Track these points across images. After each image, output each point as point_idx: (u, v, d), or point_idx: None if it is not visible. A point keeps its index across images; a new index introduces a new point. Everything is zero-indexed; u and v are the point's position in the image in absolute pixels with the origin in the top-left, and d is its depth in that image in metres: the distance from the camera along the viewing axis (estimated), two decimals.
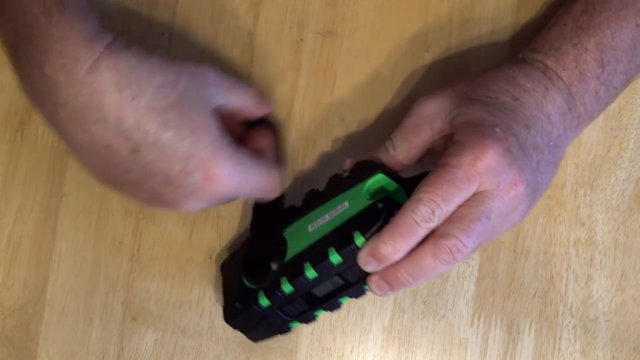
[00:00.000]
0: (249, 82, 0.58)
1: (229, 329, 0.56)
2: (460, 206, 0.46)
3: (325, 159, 0.57)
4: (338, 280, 0.49)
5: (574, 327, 0.57)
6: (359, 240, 0.46)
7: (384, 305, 0.57)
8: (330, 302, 0.50)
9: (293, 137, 0.58)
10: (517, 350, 0.57)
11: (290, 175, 0.57)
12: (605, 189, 0.57)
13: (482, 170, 0.45)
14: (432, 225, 0.45)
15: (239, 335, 0.57)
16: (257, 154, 0.52)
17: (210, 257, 0.57)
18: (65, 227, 0.57)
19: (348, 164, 0.52)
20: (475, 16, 0.58)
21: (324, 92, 0.58)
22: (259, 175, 0.50)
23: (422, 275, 0.47)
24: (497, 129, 0.46)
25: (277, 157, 0.55)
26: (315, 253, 0.48)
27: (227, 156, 0.48)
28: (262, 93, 0.54)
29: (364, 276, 0.48)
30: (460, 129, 0.48)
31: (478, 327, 0.57)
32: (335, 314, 0.57)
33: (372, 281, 0.48)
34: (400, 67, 0.58)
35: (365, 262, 0.47)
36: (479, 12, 0.58)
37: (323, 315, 0.57)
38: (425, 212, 0.45)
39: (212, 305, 0.57)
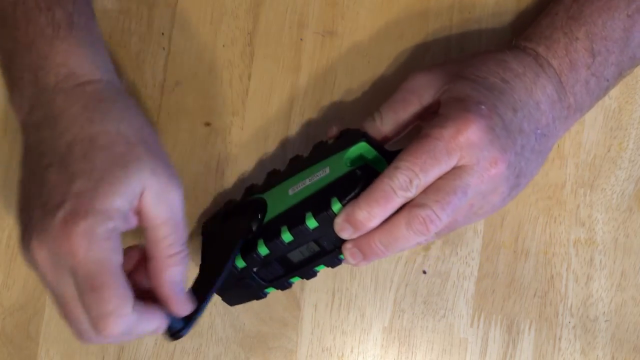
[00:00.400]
0: (248, 83, 0.58)
1: (229, 328, 0.56)
2: (439, 179, 0.46)
3: None
4: (314, 247, 0.49)
5: (574, 327, 0.57)
6: (336, 206, 0.47)
7: (384, 305, 0.57)
8: (306, 269, 0.50)
9: (293, 137, 0.58)
10: (517, 350, 0.57)
11: None
12: (605, 189, 0.57)
13: (463, 144, 0.45)
14: (409, 194, 0.45)
15: (239, 335, 0.57)
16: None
17: None
18: None
19: (334, 130, 0.52)
20: (475, 16, 0.58)
21: (324, 92, 0.58)
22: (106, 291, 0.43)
23: (396, 245, 0.47)
24: (483, 107, 0.46)
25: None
26: (293, 217, 0.48)
27: (101, 226, 0.43)
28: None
29: (339, 244, 0.48)
30: (446, 103, 0.48)
31: (478, 327, 0.57)
32: (336, 313, 0.57)
33: (347, 249, 0.48)
34: (400, 67, 0.58)
35: (341, 227, 0.46)
36: (479, 11, 0.58)
37: (323, 315, 0.57)
38: (402, 181, 0.45)
39: (212, 305, 0.57)
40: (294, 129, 0.58)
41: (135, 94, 0.58)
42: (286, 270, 0.50)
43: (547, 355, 0.57)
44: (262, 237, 0.49)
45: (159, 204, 0.45)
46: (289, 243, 0.48)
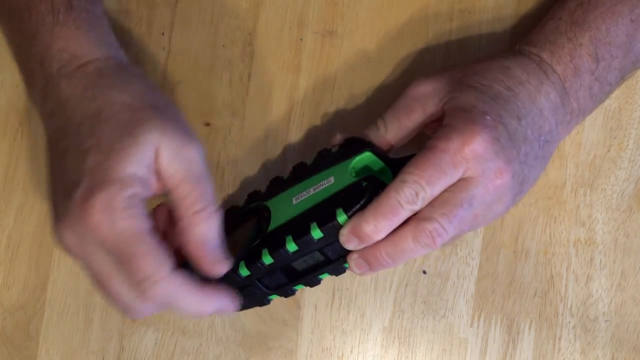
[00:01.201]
0: (248, 83, 0.58)
1: (229, 329, 0.56)
2: (445, 191, 0.46)
3: None
4: (318, 256, 0.49)
5: (573, 327, 0.57)
6: (341, 217, 0.46)
7: (384, 305, 0.57)
8: (310, 278, 0.50)
9: (293, 137, 0.58)
10: (517, 350, 0.57)
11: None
12: (605, 189, 0.57)
13: (469, 156, 0.45)
14: (415, 207, 0.45)
15: (239, 335, 0.57)
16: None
17: None
18: None
19: (338, 138, 0.52)
20: (475, 15, 0.58)
21: (324, 92, 0.58)
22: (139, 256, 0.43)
23: (402, 257, 0.47)
24: (488, 117, 0.46)
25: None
26: (297, 227, 0.48)
27: (119, 195, 0.43)
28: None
29: (344, 254, 0.48)
30: (451, 113, 0.48)
31: (478, 327, 0.57)
32: (335, 313, 0.57)
33: (352, 259, 0.48)
34: (400, 67, 0.58)
35: (347, 239, 0.46)
36: (479, 11, 0.58)
37: (323, 315, 0.57)
38: (409, 194, 0.45)
39: None
40: (294, 129, 0.58)
41: None
42: (290, 278, 0.50)
43: (547, 355, 0.57)
44: (266, 246, 0.49)
45: (174, 162, 0.44)
46: (294, 253, 0.48)
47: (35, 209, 0.57)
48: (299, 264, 0.49)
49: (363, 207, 0.46)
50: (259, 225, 0.51)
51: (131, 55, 0.58)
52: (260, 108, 0.58)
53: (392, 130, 0.51)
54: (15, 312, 0.57)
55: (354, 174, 0.48)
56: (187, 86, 0.58)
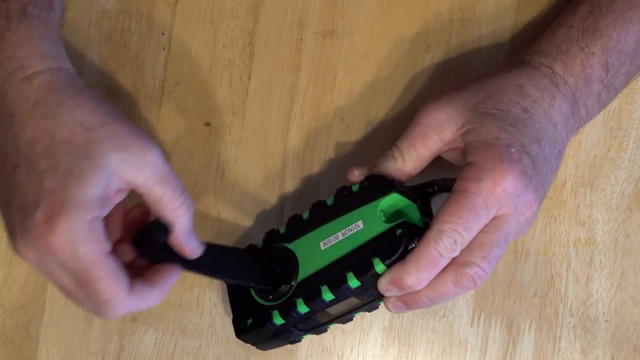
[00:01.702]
0: (248, 83, 0.58)
1: (229, 329, 0.56)
2: (482, 232, 0.46)
3: (326, 160, 0.57)
4: (354, 300, 0.49)
5: (573, 327, 0.57)
6: (379, 267, 0.47)
7: (384, 305, 0.57)
8: (344, 317, 0.51)
9: (293, 137, 0.58)
10: (517, 350, 0.57)
11: (290, 175, 0.58)
12: (605, 189, 0.57)
13: (501, 196, 0.46)
14: (454, 254, 0.46)
15: None
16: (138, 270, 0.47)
17: None
18: None
19: (356, 175, 0.51)
20: (475, 16, 0.58)
21: (324, 92, 0.58)
22: (103, 279, 0.44)
23: (442, 299, 0.48)
24: (513, 149, 0.46)
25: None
26: (333, 276, 0.48)
27: (79, 220, 0.43)
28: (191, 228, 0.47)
29: (380, 296, 0.49)
30: (475, 149, 0.47)
31: (478, 327, 0.57)
32: None
33: (390, 302, 0.48)
34: (400, 67, 0.58)
35: (387, 289, 0.47)
36: (479, 12, 0.58)
37: None
38: (448, 243, 0.45)
39: (212, 305, 0.57)
40: (294, 129, 0.58)
41: (135, 94, 0.58)
42: (325, 321, 0.51)
43: (547, 355, 0.57)
44: (301, 296, 0.49)
45: (140, 172, 0.45)
46: (330, 301, 0.48)
47: None
48: (334, 309, 0.49)
49: (401, 257, 0.46)
50: (290, 272, 0.50)
51: (131, 55, 0.58)
52: (260, 108, 0.58)
53: (411, 161, 0.50)
54: (15, 312, 0.57)
55: (383, 218, 0.48)
56: (187, 86, 0.58)
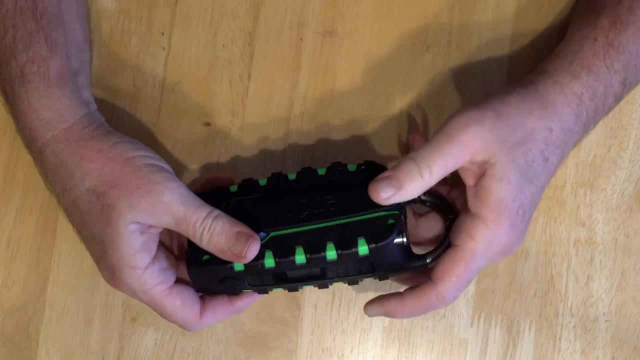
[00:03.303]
0: (248, 83, 0.58)
1: (229, 329, 0.56)
2: (459, 265, 0.48)
3: (326, 160, 0.57)
4: (316, 271, 0.49)
5: (574, 327, 0.57)
6: (363, 248, 0.47)
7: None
8: (294, 285, 0.50)
9: (293, 137, 0.58)
10: (517, 350, 0.57)
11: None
12: (605, 189, 0.57)
13: (496, 250, 0.48)
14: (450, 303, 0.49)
15: (239, 336, 0.57)
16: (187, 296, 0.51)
17: None
18: (65, 227, 0.57)
19: (382, 197, 0.48)
20: (475, 16, 0.58)
21: (324, 92, 0.58)
22: (168, 309, 0.50)
23: (418, 315, 0.53)
24: (521, 211, 0.47)
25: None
26: (311, 241, 0.48)
27: (131, 279, 0.48)
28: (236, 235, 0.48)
29: (343, 275, 0.49)
30: (486, 201, 0.47)
31: (478, 327, 0.57)
32: (336, 313, 0.57)
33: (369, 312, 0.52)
34: (400, 67, 0.58)
35: (373, 314, 0.52)
36: (479, 11, 0.58)
37: (323, 315, 0.57)
38: (449, 298, 0.48)
39: None
40: (294, 129, 0.58)
41: (135, 94, 0.58)
42: (276, 281, 0.49)
43: (547, 355, 0.57)
44: (271, 250, 0.48)
45: (159, 219, 0.48)
46: (299, 264, 0.48)
47: (35, 209, 0.57)
48: (294, 273, 0.49)
49: (387, 246, 0.47)
50: (266, 221, 0.50)
51: (131, 55, 0.58)
52: (260, 108, 0.58)
53: (437, 178, 0.48)
54: (15, 312, 0.57)
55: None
56: (187, 86, 0.58)
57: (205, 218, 0.48)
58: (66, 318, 0.57)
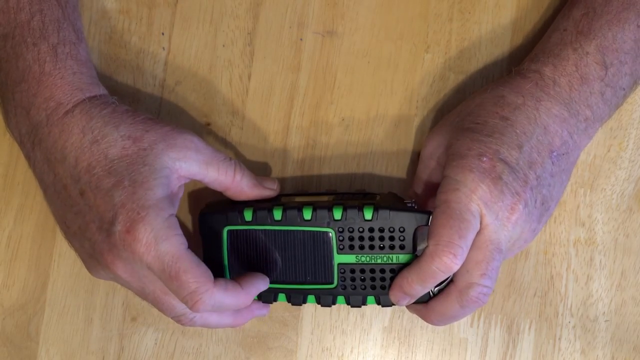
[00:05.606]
0: (248, 83, 0.58)
1: (229, 329, 0.56)
2: (473, 249, 0.47)
3: (326, 160, 0.57)
4: (309, 261, 0.51)
5: (574, 327, 0.57)
6: (368, 212, 0.49)
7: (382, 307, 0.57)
8: (298, 296, 0.52)
9: (293, 137, 0.58)
10: (517, 350, 0.57)
11: (289, 175, 0.58)
12: (605, 189, 0.57)
13: (480, 202, 0.47)
14: (459, 264, 0.47)
15: (238, 335, 0.57)
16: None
17: None
18: None
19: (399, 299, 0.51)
20: (475, 16, 0.58)
21: (324, 92, 0.58)
22: (186, 274, 0.47)
23: (454, 321, 0.51)
24: (484, 158, 0.47)
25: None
26: (319, 202, 0.51)
27: (157, 220, 0.47)
28: (256, 175, 0.53)
29: (328, 264, 0.51)
30: (449, 162, 0.49)
31: (478, 327, 0.57)
32: (335, 313, 0.57)
33: (398, 298, 0.51)
34: (400, 67, 0.58)
35: (398, 298, 0.50)
36: (479, 12, 0.58)
37: (323, 315, 0.57)
38: (447, 260, 0.47)
39: None
40: (294, 129, 0.58)
41: (135, 94, 0.58)
42: (254, 267, 0.51)
43: (547, 355, 0.57)
44: (280, 207, 0.50)
45: (191, 164, 0.50)
46: (305, 220, 0.50)
47: (35, 209, 0.57)
48: (278, 258, 0.51)
49: (397, 215, 0.49)
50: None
51: (131, 55, 0.58)
52: (260, 108, 0.58)
53: (426, 196, 0.53)
54: (15, 312, 0.57)
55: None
56: (187, 86, 0.58)
57: (229, 158, 0.51)
58: (66, 318, 0.57)
